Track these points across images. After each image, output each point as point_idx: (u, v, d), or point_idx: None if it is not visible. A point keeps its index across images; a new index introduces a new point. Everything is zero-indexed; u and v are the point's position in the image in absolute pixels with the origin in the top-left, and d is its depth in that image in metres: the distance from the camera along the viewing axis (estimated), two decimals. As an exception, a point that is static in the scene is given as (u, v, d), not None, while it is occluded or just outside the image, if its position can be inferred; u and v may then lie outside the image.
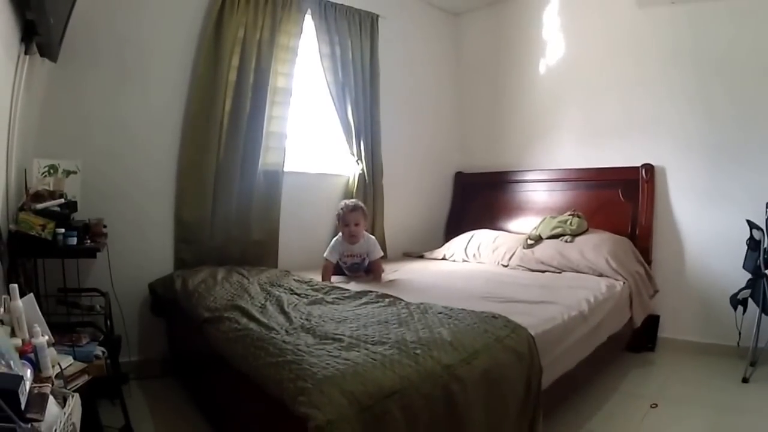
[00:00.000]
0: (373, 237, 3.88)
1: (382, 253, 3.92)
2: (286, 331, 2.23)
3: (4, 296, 1.65)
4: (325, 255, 3.74)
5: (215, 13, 3.49)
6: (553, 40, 4.78)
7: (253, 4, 3.63)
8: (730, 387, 3.27)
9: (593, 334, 2.95)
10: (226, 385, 2.39)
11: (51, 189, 2.60)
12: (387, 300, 2.77)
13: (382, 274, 3.81)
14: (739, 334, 3.49)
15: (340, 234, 3.77)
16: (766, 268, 3.27)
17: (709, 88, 3.87)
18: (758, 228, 3.33)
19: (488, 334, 2.20)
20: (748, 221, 3.37)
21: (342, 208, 3.76)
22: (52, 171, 2.76)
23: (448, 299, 2.84)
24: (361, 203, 3.84)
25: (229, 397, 2.42)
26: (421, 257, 4.83)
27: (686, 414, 2.96)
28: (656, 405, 3.04)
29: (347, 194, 4.45)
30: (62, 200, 2.56)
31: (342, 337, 2.10)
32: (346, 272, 3.85)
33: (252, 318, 2.44)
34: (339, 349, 1.95)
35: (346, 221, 3.71)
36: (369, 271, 3.86)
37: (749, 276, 3.41)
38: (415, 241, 5.12)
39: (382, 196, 4.63)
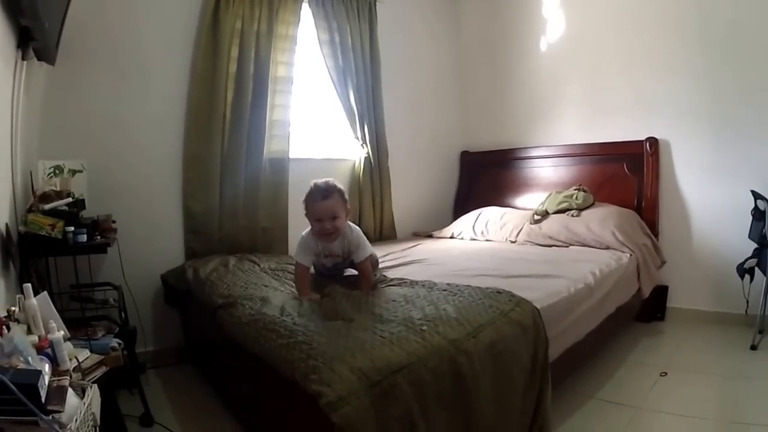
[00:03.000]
0: (357, 228, 2.89)
1: (370, 252, 2.90)
2: (298, 314, 2.26)
3: (18, 296, 1.68)
4: (294, 256, 2.91)
5: (211, 6, 3.51)
6: (553, 16, 4.76)
7: (249, -5, 3.66)
8: (738, 354, 3.31)
9: (600, 306, 2.99)
10: (241, 368, 2.44)
11: (58, 189, 2.64)
12: (394, 279, 2.83)
13: (373, 279, 2.87)
14: (747, 302, 3.52)
15: (310, 229, 2.81)
16: None
17: (713, 60, 3.84)
18: (763, 198, 3.36)
19: (493, 309, 2.24)
20: (753, 192, 3.40)
21: (307, 196, 2.73)
22: (57, 171, 2.79)
23: (455, 277, 2.90)
24: (336, 184, 2.74)
25: (243, 380, 2.49)
26: (430, 236, 4.87)
27: (696, 381, 3.00)
28: (666, 373, 3.09)
29: (354, 178, 4.50)
30: (69, 199, 2.59)
31: (350, 317, 2.15)
32: (325, 274, 3.01)
33: (264, 302, 2.47)
34: (348, 329, 2.00)
35: (316, 215, 2.69)
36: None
37: (755, 245, 3.44)
38: (424, 221, 5.17)
39: (388, 177, 4.66)
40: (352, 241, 2.82)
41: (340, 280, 2.88)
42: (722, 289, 3.83)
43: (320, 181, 2.72)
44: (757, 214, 3.38)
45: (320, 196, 2.66)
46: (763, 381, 2.91)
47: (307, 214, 2.76)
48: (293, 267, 3.21)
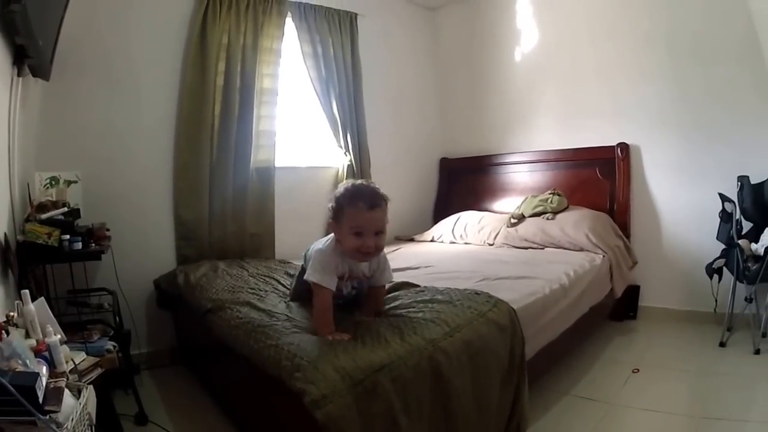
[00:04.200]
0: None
1: (393, 278, 2.42)
2: (287, 317, 2.31)
3: (17, 302, 1.73)
4: (314, 279, 2.07)
5: (199, 22, 3.59)
6: (527, 27, 4.86)
7: (235, 11, 3.72)
8: (708, 351, 3.39)
9: (575, 306, 3.05)
10: (231, 369, 2.48)
11: (54, 199, 2.70)
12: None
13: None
14: (716, 301, 3.59)
15: (333, 240, 2.16)
16: (738, 239, 3.35)
17: (680, 68, 3.93)
18: (730, 201, 3.42)
19: (471, 310, 2.28)
20: (720, 194, 3.46)
21: (344, 198, 2.08)
22: (53, 182, 2.86)
23: (435, 279, 2.96)
24: (381, 192, 2.12)
25: (233, 380, 2.55)
26: (412, 240, 4.93)
27: (667, 378, 3.07)
28: (638, 370, 3.17)
29: (337, 184, 4.48)
30: (65, 209, 2.65)
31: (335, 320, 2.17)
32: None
33: (252, 306, 2.52)
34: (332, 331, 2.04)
35: (358, 226, 2.03)
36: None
37: (723, 246, 3.51)
38: (405, 226, 5.22)
39: (370, 184, 4.73)
40: (381, 261, 2.28)
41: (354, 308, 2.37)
42: (692, 288, 3.91)
43: (361, 182, 2.15)
44: (725, 216, 3.45)
45: (367, 204, 2.03)
46: (731, 377, 2.98)
47: (337, 222, 2.10)
48: (280, 270, 3.29)
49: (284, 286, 3.00)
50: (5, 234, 2.16)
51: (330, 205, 2.13)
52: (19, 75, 2.37)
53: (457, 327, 2.12)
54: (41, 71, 2.61)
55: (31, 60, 2.35)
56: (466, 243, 4.57)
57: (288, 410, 1.75)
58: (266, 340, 2.03)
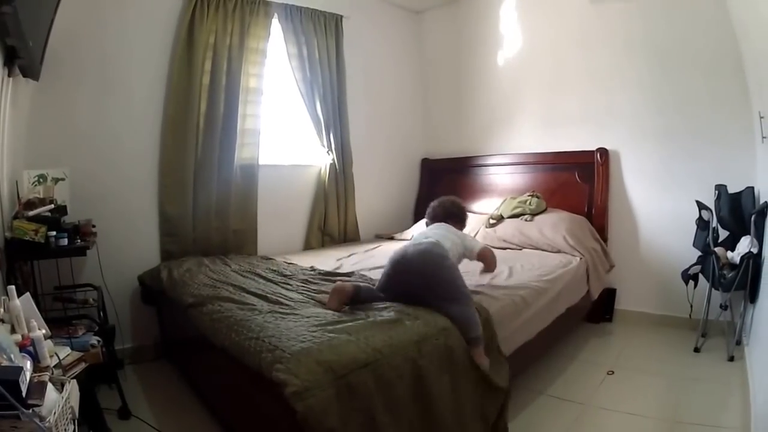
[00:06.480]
0: None
1: None
2: (269, 311, 2.36)
3: (3, 297, 1.74)
4: (484, 245, 3.01)
5: (186, 22, 3.62)
6: (510, 33, 4.91)
7: (222, 12, 3.76)
8: (682, 356, 3.44)
9: (551, 307, 3.10)
10: (213, 363, 2.53)
11: (41, 196, 2.74)
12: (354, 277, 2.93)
13: None
14: (691, 306, 3.67)
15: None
16: (714, 246, 3.41)
17: (658, 78, 3.99)
18: (707, 208, 3.47)
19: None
20: (697, 202, 3.50)
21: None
22: (41, 180, 2.87)
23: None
24: None
25: (215, 375, 2.60)
26: (392, 238, 4.94)
27: (641, 381, 3.13)
28: (613, 372, 3.24)
29: (320, 183, 4.61)
30: (52, 206, 2.69)
31: (317, 316, 2.25)
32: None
33: (233, 301, 2.58)
34: (315, 326, 2.08)
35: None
36: None
37: (699, 253, 3.56)
38: (386, 224, 5.30)
39: (352, 183, 4.80)
40: None
41: None
42: (668, 293, 3.98)
43: None
44: (701, 224, 3.50)
45: None
46: (705, 383, 3.02)
47: (462, 226, 3.17)
48: (262, 266, 3.36)
49: (265, 281, 3.05)
50: (-7, 232, 2.19)
51: (462, 213, 3.22)
52: (9, 75, 2.40)
53: (437, 330, 2.18)
54: (31, 71, 2.64)
55: (22, 60, 2.38)
56: (445, 242, 4.60)
57: (268, 403, 1.80)
58: (247, 333, 2.08)
